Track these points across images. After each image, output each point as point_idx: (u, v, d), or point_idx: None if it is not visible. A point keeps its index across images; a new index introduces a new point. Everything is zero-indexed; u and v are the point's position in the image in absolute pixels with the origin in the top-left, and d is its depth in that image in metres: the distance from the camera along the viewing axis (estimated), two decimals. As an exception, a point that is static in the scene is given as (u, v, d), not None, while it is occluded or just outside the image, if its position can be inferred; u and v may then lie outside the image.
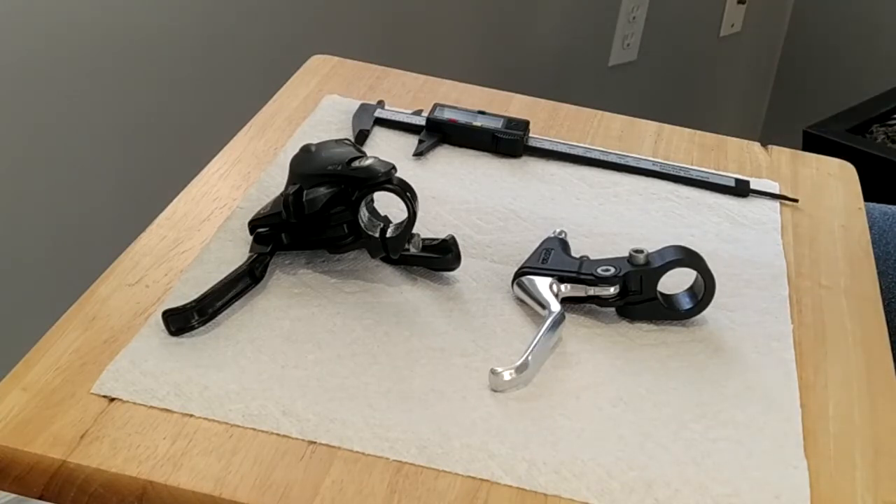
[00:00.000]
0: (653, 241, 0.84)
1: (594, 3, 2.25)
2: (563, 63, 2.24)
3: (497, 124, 0.99)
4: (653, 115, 1.16)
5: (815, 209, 0.97)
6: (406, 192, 0.78)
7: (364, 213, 0.80)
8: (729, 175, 0.99)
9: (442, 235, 0.81)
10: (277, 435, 0.66)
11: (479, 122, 0.99)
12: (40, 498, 0.63)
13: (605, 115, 1.08)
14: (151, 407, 0.66)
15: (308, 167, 0.80)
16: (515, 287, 0.80)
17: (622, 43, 2.34)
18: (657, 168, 0.98)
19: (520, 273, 0.80)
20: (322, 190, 0.79)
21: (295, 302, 0.77)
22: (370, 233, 0.79)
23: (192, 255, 0.80)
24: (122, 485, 0.62)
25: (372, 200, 0.81)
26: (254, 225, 0.81)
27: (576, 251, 0.84)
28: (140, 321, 0.73)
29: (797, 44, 2.71)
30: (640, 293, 0.78)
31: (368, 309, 0.77)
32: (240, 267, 0.77)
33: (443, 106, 1.01)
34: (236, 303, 0.76)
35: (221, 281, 0.76)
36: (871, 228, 0.95)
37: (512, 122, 0.99)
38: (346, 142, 0.83)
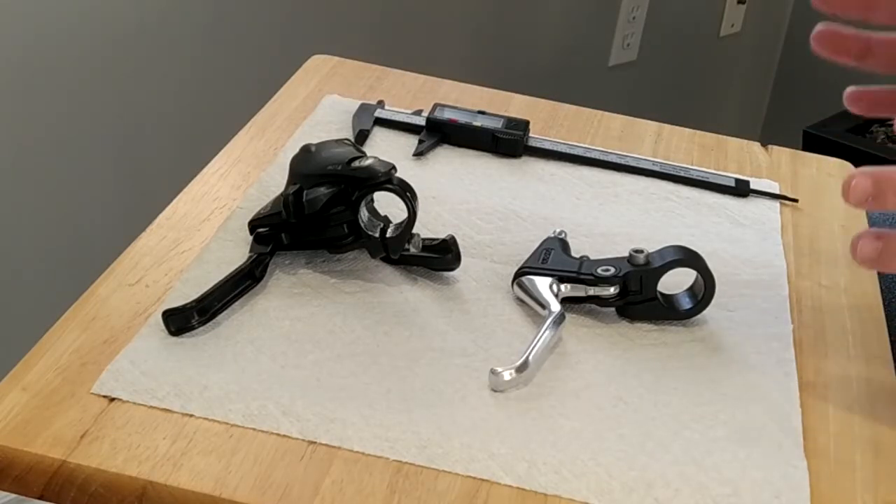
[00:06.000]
0: (653, 241, 0.84)
1: (594, 3, 2.26)
2: (563, 63, 2.24)
3: (497, 124, 0.99)
4: (653, 115, 1.16)
5: (815, 209, 0.97)
6: (406, 192, 0.78)
7: (364, 213, 0.80)
8: (729, 175, 0.99)
9: (442, 235, 0.81)
10: (277, 435, 0.66)
11: (479, 122, 0.99)
12: (40, 498, 0.63)
13: (605, 115, 1.08)
14: (151, 407, 0.66)
15: (308, 167, 0.80)
16: (515, 287, 0.80)
17: (622, 43, 2.34)
18: (657, 168, 0.98)
19: (520, 273, 0.80)
20: (322, 190, 0.79)
21: (295, 302, 0.77)
22: (370, 233, 0.79)
23: (192, 255, 0.80)
24: (122, 485, 0.62)
25: (372, 200, 0.81)
26: (254, 225, 0.81)
27: (576, 251, 0.84)
28: (140, 321, 0.73)
29: (797, 44, 2.71)
30: (640, 293, 0.78)
31: (368, 309, 0.77)
32: (240, 267, 0.77)
33: (443, 106, 1.01)
34: (236, 303, 0.76)
35: (221, 281, 0.76)
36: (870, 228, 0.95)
37: (512, 122, 0.99)
38: (346, 142, 0.83)
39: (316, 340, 0.73)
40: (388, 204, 0.81)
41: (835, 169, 1.04)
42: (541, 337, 0.73)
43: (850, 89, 0.78)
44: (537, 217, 0.90)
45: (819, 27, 0.76)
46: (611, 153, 1.00)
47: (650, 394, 0.72)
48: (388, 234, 0.79)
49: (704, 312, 0.79)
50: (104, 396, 0.67)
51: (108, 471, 0.62)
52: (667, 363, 0.75)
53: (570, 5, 2.20)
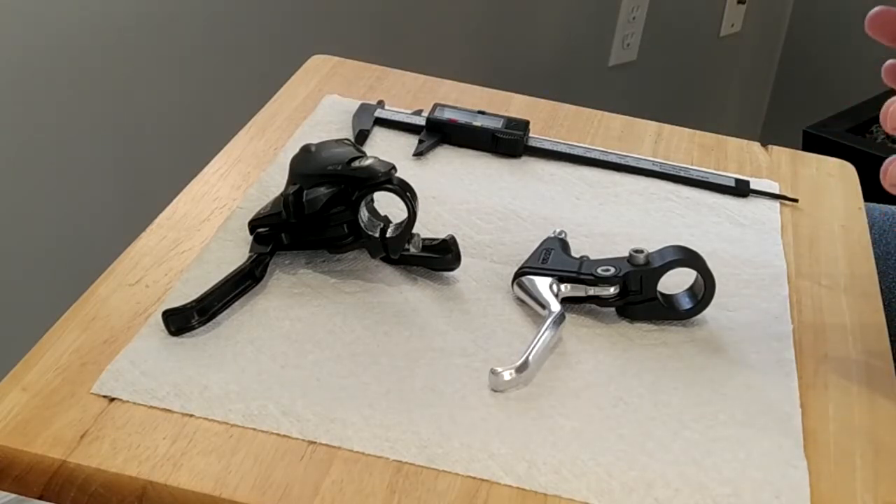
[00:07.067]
0: (653, 241, 0.84)
1: (594, 3, 2.26)
2: (563, 63, 2.24)
3: (497, 124, 0.99)
4: (653, 115, 1.16)
5: (815, 209, 0.97)
6: (406, 192, 0.78)
7: (364, 213, 0.80)
8: (729, 175, 0.99)
9: (442, 235, 0.81)
10: (277, 435, 0.66)
11: (479, 122, 0.99)
12: (40, 498, 0.63)
13: (605, 115, 1.08)
14: (151, 407, 0.66)
15: (308, 167, 0.80)
16: (515, 287, 0.80)
17: (622, 43, 2.34)
18: (657, 168, 0.99)
19: (520, 273, 0.80)
20: (322, 190, 0.79)
21: (295, 302, 0.77)
22: (370, 233, 0.79)
23: (192, 255, 0.80)
24: (122, 485, 0.62)
25: (372, 200, 0.81)
26: (254, 225, 0.81)
27: (576, 251, 0.84)
28: (140, 321, 0.73)
29: (797, 44, 2.71)
30: (640, 293, 0.78)
31: (368, 309, 0.77)
32: (240, 267, 0.77)
33: (443, 106, 1.01)
34: (236, 303, 0.76)
35: (221, 281, 0.76)
36: (871, 228, 0.95)
37: (512, 122, 0.99)
38: (346, 142, 0.83)
39: (316, 340, 0.73)
40: (388, 204, 0.81)
41: (835, 169, 1.04)
42: (541, 337, 0.73)
43: (874, 12, 0.74)
44: (537, 217, 0.90)
45: (875, 11, 0.74)
46: (611, 153, 1.00)
47: (650, 394, 0.72)
48: (388, 234, 0.79)
49: (704, 312, 0.79)
50: (104, 396, 0.67)
51: (108, 471, 0.62)
52: (667, 363, 0.75)
53: (570, 5, 2.20)
